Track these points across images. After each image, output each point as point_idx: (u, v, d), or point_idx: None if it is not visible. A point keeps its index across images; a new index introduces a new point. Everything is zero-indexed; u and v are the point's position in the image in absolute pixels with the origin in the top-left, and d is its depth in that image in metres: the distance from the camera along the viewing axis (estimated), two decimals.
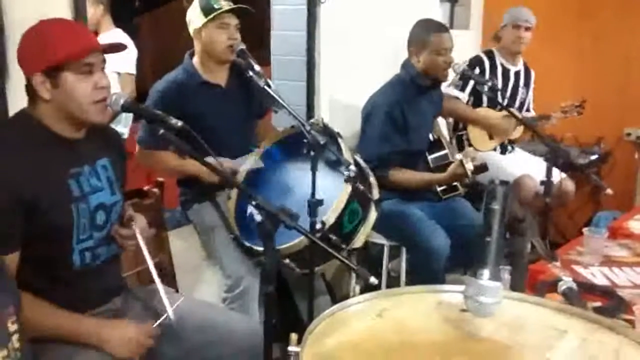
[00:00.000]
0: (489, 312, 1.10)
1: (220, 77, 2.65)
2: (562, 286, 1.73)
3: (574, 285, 1.73)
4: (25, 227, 1.55)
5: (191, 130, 1.70)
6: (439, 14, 3.99)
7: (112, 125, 3.79)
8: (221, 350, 1.84)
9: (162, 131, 1.68)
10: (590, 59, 4.17)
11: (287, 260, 2.40)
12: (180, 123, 1.69)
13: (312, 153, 2.23)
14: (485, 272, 1.07)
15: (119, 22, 4.19)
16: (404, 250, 2.97)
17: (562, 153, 2.57)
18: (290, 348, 1.08)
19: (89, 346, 1.63)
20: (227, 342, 1.85)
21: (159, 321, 1.71)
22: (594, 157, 4.05)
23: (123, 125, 3.91)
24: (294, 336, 1.08)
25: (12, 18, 2.04)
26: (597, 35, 4.15)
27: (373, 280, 1.59)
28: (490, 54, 3.65)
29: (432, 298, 1.30)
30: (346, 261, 1.63)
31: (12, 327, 1.10)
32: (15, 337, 1.10)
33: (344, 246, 2.43)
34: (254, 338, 1.83)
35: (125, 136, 3.90)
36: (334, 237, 2.36)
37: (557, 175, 2.71)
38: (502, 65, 3.64)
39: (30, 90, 1.63)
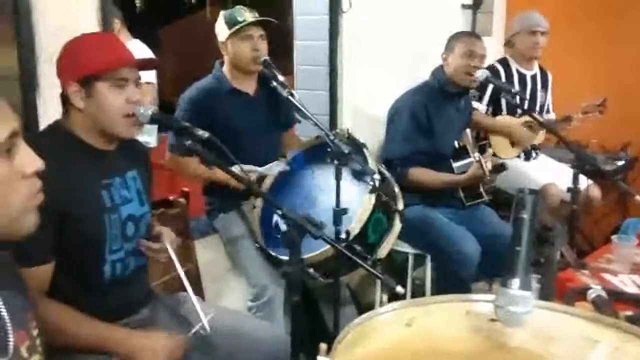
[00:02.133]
0: (520, 322, 1.09)
1: (248, 86, 2.69)
2: (591, 294, 1.70)
3: (604, 294, 1.70)
4: (59, 238, 1.58)
5: (217, 141, 1.72)
6: (461, 21, 3.98)
7: (138, 135, 3.85)
8: (247, 357, 1.84)
9: (188, 142, 1.70)
10: (611, 62, 4.09)
11: (310, 270, 2.40)
12: (206, 134, 1.70)
13: (335, 162, 2.23)
14: (516, 282, 1.06)
15: (140, 33, 4.26)
16: (428, 258, 2.95)
17: (589, 159, 2.54)
18: (319, 358, 1.08)
19: (117, 357, 1.63)
20: (252, 349, 1.86)
21: (193, 331, 1.71)
22: (620, 164, 3.99)
23: (149, 135, 3.95)
24: (323, 346, 1.08)
25: (43, 32, 2.08)
26: (618, 38, 4.08)
27: (399, 289, 1.59)
28: (504, 62, 3.64)
29: (461, 307, 1.29)
30: (372, 270, 1.63)
31: (35, 332, 1.13)
32: (38, 342, 1.13)
33: (368, 256, 2.43)
34: (280, 345, 1.84)
35: (152, 145, 3.94)
36: (358, 247, 2.36)
37: (583, 182, 2.68)
38: (517, 71, 3.63)
39: (64, 100, 1.67)
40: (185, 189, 2.67)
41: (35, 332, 1.13)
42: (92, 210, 1.65)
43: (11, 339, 1.04)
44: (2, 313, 1.04)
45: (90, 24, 2.20)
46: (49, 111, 2.03)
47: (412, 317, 1.23)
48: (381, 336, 1.18)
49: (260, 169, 2.56)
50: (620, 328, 1.21)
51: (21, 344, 1.06)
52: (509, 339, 1.16)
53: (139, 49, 3.87)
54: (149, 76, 3.92)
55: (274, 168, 2.62)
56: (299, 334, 1.66)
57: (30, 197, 1.06)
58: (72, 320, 1.60)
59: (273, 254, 2.45)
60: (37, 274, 1.55)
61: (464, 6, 4.02)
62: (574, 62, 4.05)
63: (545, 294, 1.44)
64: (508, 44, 3.71)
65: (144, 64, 1.73)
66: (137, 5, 4.93)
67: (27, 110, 2.06)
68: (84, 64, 1.61)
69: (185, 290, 1.80)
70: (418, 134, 2.87)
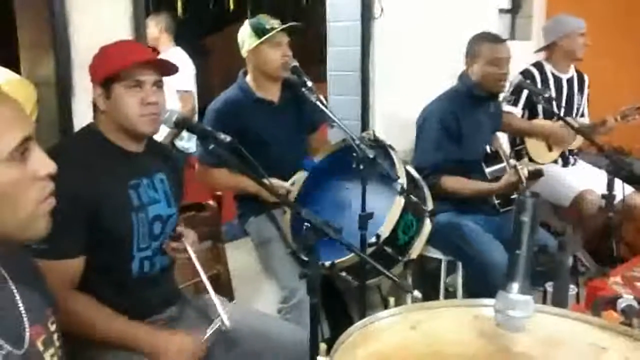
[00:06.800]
0: (520, 327, 1.07)
1: (272, 93, 2.72)
2: (621, 303, 1.66)
3: (635, 303, 1.66)
4: (88, 234, 1.65)
5: (239, 145, 1.76)
6: (499, 25, 3.92)
7: (177, 141, 3.96)
8: (271, 358, 1.87)
9: (212, 146, 1.75)
10: None
11: (343, 273, 2.42)
12: (228, 138, 1.75)
13: (361, 167, 2.24)
14: (515, 286, 1.05)
15: (186, 42, 4.36)
16: (459, 264, 2.92)
17: (625, 165, 2.47)
18: (319, 358, 1.09)
19: (140, 356, 1.68)
20: (277, 351, 1.89)
21: (213, 328, 1.74)
22: None
23: (187, 140, 4.05)
24: (323, 346, 1.10)
25: (79, 44, 2.18)
26: None
27: (416, 294, 1.59)
28: (539, 65, 3.56)
29: (469, 312, 1.28)
30: (387, 273, 1.63)
31: (52, 327, 1.17)
32: (55, 336, 1.17)
33: (400, 258, 2.43)
34: (304, 349, 1.86)
35: (192, 151, 4.04)
36: (389, 250, 2.37)
37: (624, 189, 2.60)
38: (553, 75, 3.54)
39: (93, 104, 1.76)
40: (219, 193, 2.73)
41: (52, 327, 1.17)
42: (120, 207, 1.72)
43: (27, 333, 1.09)
44: (19, 307, 1.10)
45: (124, 32, 2.29)
46: (83, 116, 2.12)
47: (417, 321, 1.23)
48: (384, 339, 1.18)
49: (286, 185, 2.58)
50: (632, 336, 1.18)
51: (37, 338, 1.11)
52: (513, 344, 1.15)
53: (178, 57, 3.97)
54: (188, 85, 4.02)
55: (297, 179, 2.64)
56: (317, 334, 1.67)
57: (41, 200, 1.06)
58: (103, 315, 1.66)
59: (303, 257, 2.47)
60: (67, 267, 1.63)
61: (501, 10, 3.96)
62: (614, 65, 3.93)
63: (558, 300, 1.41)
64: (548, 48, 3.61)
65: (158, 64, 1.77)
66: (178, 13, 5.06)
67: (63, 115, 2.16)
68: (103, 68, 1.70)
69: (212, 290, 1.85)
70: (448, 142, 2.84)
